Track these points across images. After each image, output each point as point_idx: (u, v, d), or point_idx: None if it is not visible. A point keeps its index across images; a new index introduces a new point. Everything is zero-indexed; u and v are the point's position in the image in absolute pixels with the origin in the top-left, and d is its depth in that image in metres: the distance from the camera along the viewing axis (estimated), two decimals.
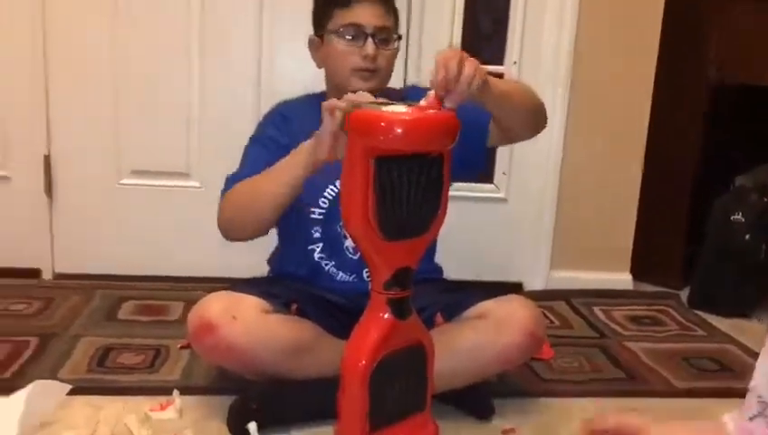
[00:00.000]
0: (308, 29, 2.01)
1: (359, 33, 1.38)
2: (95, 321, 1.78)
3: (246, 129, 1.64)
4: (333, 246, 1.43)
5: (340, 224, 1.38)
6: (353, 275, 1.44)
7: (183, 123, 2.03)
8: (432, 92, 1.08)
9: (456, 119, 1.07)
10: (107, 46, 1.97)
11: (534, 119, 1.37)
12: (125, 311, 1.86)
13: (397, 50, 1.44)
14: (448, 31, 2.08)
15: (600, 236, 2.24)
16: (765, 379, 0.73)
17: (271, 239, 1.55)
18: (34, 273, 2.05)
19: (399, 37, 1.44)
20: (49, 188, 2.02)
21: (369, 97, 1.14)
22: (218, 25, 1.99)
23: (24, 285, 1.98)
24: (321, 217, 1.42)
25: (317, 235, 1.43)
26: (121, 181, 2.05)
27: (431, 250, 1.51)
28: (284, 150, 1.29)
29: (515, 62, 2.13)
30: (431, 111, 1.07)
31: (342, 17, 1.38)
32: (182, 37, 1.98)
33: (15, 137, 1.99)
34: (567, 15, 2.06)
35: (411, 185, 1.05)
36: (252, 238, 1.38)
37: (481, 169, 1.51)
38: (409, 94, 1.39)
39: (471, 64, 1.08)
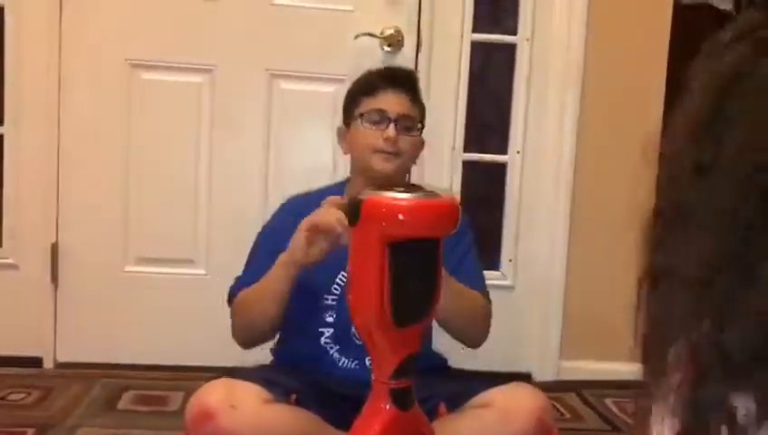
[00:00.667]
0: (315, 123, 2.08)
1: (382, 118, 1.44)
2: (94, 411, 1.75)
3: (253, 217, 1.67)
4: (342, 331, 1.42)
5: None
6: (356, 362, 1.41)
7: (191, 211, 2.05)
8: None
9: (457, 205, 1.09)
10: (118, 137, 2.01)
11: (468, 332, 1.46)
12: (125, 401, 1.83)
13: (420, 139, 1.50)
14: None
15: (612, 323, 2.19)
16: None
17: None
18: (36, 362, 2.03)
19: (422, 126, 1.50)
20: (55, 276, 2.03)
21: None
22: (228, 118, 2.04)
23: (25, 375, 1.96)
24: (334, 302, 1.43)
25: (330, 319, 1.43)
26: (126, 269, 2.06)
27: (428, 337, 1.49)
28: None
29: (518, 152, 2.16)
30: (437, 197, 1.09)
31: (368, 104, 1.46)
32: (192, 128, 2.04)
33: (25, 225, 2.02)
34: (569, 100, 2.11)
35: (418, 269, 1.07)
36: (272, 337, 1.45)
37: None
38: None
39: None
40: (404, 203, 1.04)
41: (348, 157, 1.54)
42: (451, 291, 1.26)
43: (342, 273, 1.41)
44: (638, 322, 0.64)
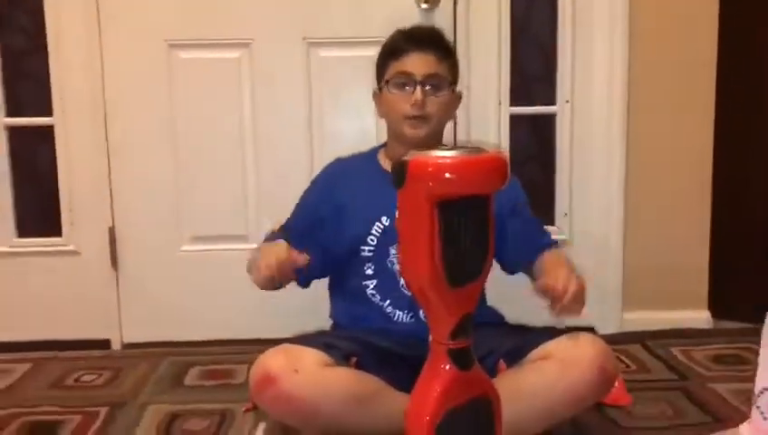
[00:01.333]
0: (356, 88, 2.06)
1: (408, 80, 1.45)
2: (162, 388, 1.79)
3: (300, 188, 1.66)
4: (387, 283, 1.45)
5: (390, 260, 1.46)
6: (410, 315, 1.43)
7: (239, 187, 2.07)
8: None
9: (505, 159, 1.06)
10: (162, 118, 2.03)
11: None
12: (191, 377, 1.86)
13: (450, 97, 1.50)
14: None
15: (673, 273, 2.14)
16: None
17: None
18: (104, 344, 2.09)
19: (453, 84, 1.50)
20: (114, 260, 2.07)
21: None
22: (268, 90, 2.03)
23: (94, 356, 2.02)
24: (371, 253, 1.47)
25: (369, 271, 1.47)
26: (182, 248, 2.09)
27: (482, 295, 1.48)
28: (322, 219, 1.50)
29: (567, 101, 2.10)
30: (483, 153, 1.06)
31: (394, 68, 1.47)
32: (234, 104, 2.04)
33: (82, 212, 2.06)
34: (617, 63, 2.03)
35: (469, 227, 1.05)
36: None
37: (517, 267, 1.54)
38: None
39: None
40: (450, 161, 1.01)
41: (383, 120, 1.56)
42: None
43: (377, 223, 1.46)
44: None
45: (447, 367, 1.07)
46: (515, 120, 2.11)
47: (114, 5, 1.99)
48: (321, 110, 2.05)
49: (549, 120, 2.13)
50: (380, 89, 1.53)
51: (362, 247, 1.47)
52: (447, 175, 1.01)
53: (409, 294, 1.37)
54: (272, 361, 1.25)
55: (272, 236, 1.51)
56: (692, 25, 2.05)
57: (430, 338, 1.10)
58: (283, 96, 2.04)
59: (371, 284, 1.47)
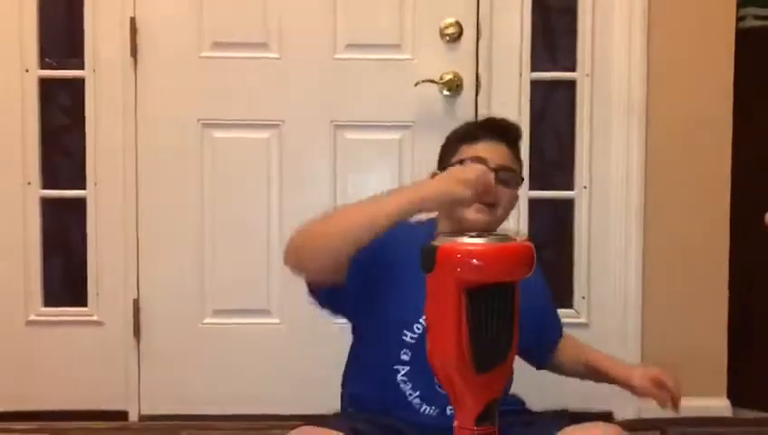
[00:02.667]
0: (381, 170, 2.13)
1: (482, 165, 1.37)
2: None
3: None
4: (422, 376, 1.35)
5: None
6: (437, 411, 1.38)
7: (263, 263, 2.10)
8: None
9: (532, 248, 1.09)
10: (192, 193, 2.10)
11: None
12: None
13: (516, 195, 1.46)
14: None
15: (692, 359, 2.13)
16: None
17: None
18: (122, 415, 2.09)
19: (522, 180, 1.48)
20: (137, 331, 2.10)
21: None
22: (296, 170, 2.10)
23: (112, 428, 2.02)
24: (413, 341, 1.37)
25: (405, 357, 1.37)
26: (204, 321, 2.12)
27: (509, 383, 1.47)
28: (373, 266, 1.32)
29: (585, 187, 2.15)
30: (511, 241, 1.10)
31: (467, 152, 1.42)
32: (262, 181, 2.10)
33: (108, 283, 2.11)
34: (634, 148, 2.09)
35: (495, 314, 1.07)
36: (320, 274, 1.34)
37: (546, 362, 1.63)
38: None
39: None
40: (479, 248, 1.05)
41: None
42: None
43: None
44: None
45: None
46: (534, 203, 2.15)
47: (151, 85, 2.08)
48: (346, 189, 2.10)
49: (567, 205, 2.17)
50: (444, 169, 1.43)
51: (405, 332, 1.36)
52: (476, 262, 1.05)
53: (443, 392, 1.31)
54: None
55: None
56: (706, 110, 2.11)
57: (455, 423, 1.11)
58: (309, 175, 2.11)
59: (404, 370, 1.37)
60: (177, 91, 2.09)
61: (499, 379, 1.10)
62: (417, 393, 1.38)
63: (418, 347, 1.37)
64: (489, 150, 1.40)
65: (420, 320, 1.37)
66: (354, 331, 1.52)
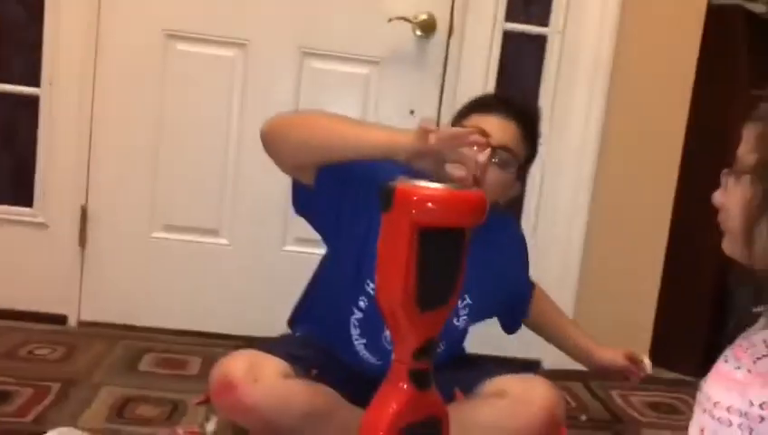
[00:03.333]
0: (346, 103, 2.11)
1: (483, 137, 1.30)
2: (116, 371, 1.81)
3: (279, 193, 1.70)
4: (373, 327, 1.37)
5: None
6: (381, 361, 1.39)
7: (218, 183, 2.10)
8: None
9: (485, 198, 1.13)
10: (151, 105, 2.06)
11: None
12: (146, 362, 1.89)
13: (512, 180, 1.38)
14: None
15: (621, 318, 2.23)
16: None
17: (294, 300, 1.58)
18: (61, 319, 2.09)
19: (521, 170, 1.39)
20: (83, 238, 2.08)
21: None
22: (259, 93, 2.07)
23: (50, 331, 2.02)
24: (373, 291, 1.34)
25: (362, 304, 1.38)
26: (153, 235, 2.11)
27: (462, 338, 1.51)
28: (340, 188, 1.27)
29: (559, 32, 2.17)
30: (466, 189, 1.13)
31: (475, 121, 1.35)
32: (223, 101, 2.07)
33: (56, 187, 2.07)
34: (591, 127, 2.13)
35: (444, 257, 1.11)
36: (284, 166, 1.32)
37: (516, 329, 1.67)
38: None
39: None
40: (435, 192, 1.08)
41: None
42: None
43: None
44: None
45: (406, 386, 1.12)
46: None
47: None
48: None
49: None
50: None
51: (368, 281, 1.34)
52: (431, 205, 1.07)
53: (389, 348, 1.29)
54: (233, 367, 1.26)
55: None
56: (667, 85, 2.15)
57: (392, 357, 1.16)
58: (272, 100, 2.08)
59: (358, 315, 1.38)
60: None
61: (439, 319, 1.15)
62: (364, 341, 1.40)
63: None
64: (496, 125, 1.34)
65: None
66: (322, 262, 1.50)
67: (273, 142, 1.32)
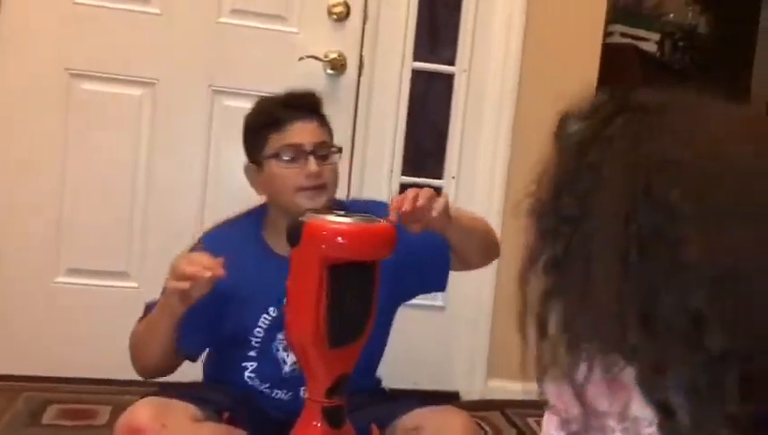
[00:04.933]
0: None
1: (298, 152, 1.35)
2: (16, 427, 1.71)
3: (189, 233, 1.68)
4: (268, 367, 1.38)
5: (276, 345, 1.37)
6: (290, 393, 1.38)
7: (126, 224, 2.04)
8: (392, 215, 1.19)
9: (395, 231, 1.15)
10: (55, 144, 1.99)
11: (489, 252, 1.52)
12: (50, 415, 1.80)
13: (337, 163, 1.44)
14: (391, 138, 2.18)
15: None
16: None
17: None
18: None
19: (339, 150, 1.44)
20: None
21: None
22: (168, 132, 2.04)
23: None
24: (257, 343, 1.38)
25: (252, 353, 1.38)
26: (57, 279, 2.02)
27: (374, 364, 1.50)
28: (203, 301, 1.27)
29: (453, 177, 2.23)
30: (376, 222, 1.14)
31: (278, 140, 1.36)
32: (131, 141, 2.03)
33: None
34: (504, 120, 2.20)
35: (355, 291, 1.12)
36: (169, 373, 1.41)
37: (443, 288, 1.57)
38: (354, 206, 1.45)
39: (441, 201, 1.26)
40: (344, 227, 1.09)
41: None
42: (457, 231, 1.33)
43: (264, 316, 1.36)
44: None
45: (319, 425, 1.12)
46: (405, 188, 2.20)
47: (15, 23, 1.94)
48: (218, 157, 2.07)
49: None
50: (258, 163, 1.40)
51: (248, 337, 1.37)
52: (340, 240, 1.09)
53: (292, 376, 1.35)
54: (139, 414, 1.23)
55: (150, 310, 1.38)
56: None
57: (305, 395, 1.15)
58: (182, 140, 2.06)
59: (250, 366, 1.38)
60: (43, 34, 1.97)
61: (351, 355, 1.15)
62: (267, 385, 1.39)
63: (262, 346, 1.38)
64: (300, 133, 1.36)
65: (260, 324, 1.37)
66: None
67: (142, 372, 1.42)
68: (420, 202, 1.21)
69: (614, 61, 2.34)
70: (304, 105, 1.41)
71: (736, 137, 0.61)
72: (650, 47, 2.94)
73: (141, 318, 1.41)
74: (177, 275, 1.22)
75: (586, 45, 2.26)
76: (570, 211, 0.64)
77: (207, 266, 1.20)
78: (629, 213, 0.59)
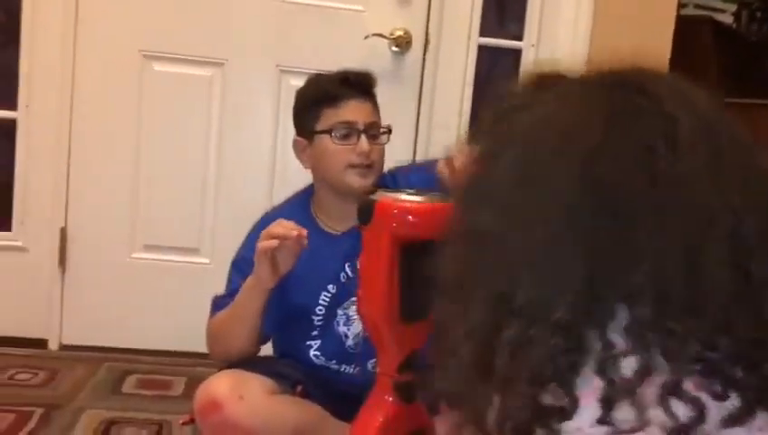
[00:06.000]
0: None
1: (351, 130, 1.36)
2: (99, 394, 1.79)
3: (259, 210, 1.70)
4: (331, 344, 1.40)
5: (337, 320, 1.40)
6: (357, 368, 1.40)
7: (198, 201, 2.10)
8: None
9: None
10: (129, 125, 2.05)
11: None
12: (129, 384, 1.87)
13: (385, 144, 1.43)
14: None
15: None
16: None
17: None
18: (42, 343, 2.07)
19: (389, 131, 1.44)
20: (63, 260, 2.07)
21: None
22: (237, 112, 2.08)
23: (31, 355, 2.00)
24: (319, 322, 1.41)
25: (315, 332, 1.41)
26: (133, 255, 2.10)
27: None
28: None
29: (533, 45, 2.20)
30: (445, 200, 1.14)
31: (332, 116, 1.37)
32: (202, 120, 2.08)
33: (35, 210, 2.06)
34: None
35: (425, 268, 1.12)
36: (255, 353, 1.41)
37: None
38: (398, 174, 1.45)
39: None
40: (415, 205, 1.09)
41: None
42: None
43: (324, 294, 1.39)
44: None
45: (391, 399, 1.13)
46: None
47: (92, 9, 2.01)
48: (287, 136, 2.08)
49: None
50: (308, 137, 1.41)
51: (311, 316, 1.39)
52: (411, 218, 1.09)
53: (354, 351, 1.39)
54: (217, 386, 1.27)
55: (222, 302, 1.41)
56: None
57: (377, 370, 1.16)
58: (251, 118, 2.09)
59: (315, 344, 1.41)
60: (119, 18, 2.03)
61: (422, 331, 1.15)
62: (334, 361, 1.41)
63: (325, 323, 1.40)
64: (355, 111, 1.37)
65: (320, 302, 1.40)
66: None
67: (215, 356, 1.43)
68: None
69: (688, 34, 2.26)
70: (361, 84, 1.41)
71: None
72: (726, 18, 2.83)
73: (213, 312, 1.42)
74: (266, 235, 1.23)
75: (659, 18, 2.18)
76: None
77: (294, 228, 1.23)
78: None
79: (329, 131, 1.37)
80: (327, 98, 1.38)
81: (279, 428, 1.27)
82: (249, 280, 1.29)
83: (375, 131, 1.40)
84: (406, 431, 1.14)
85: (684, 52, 2.23)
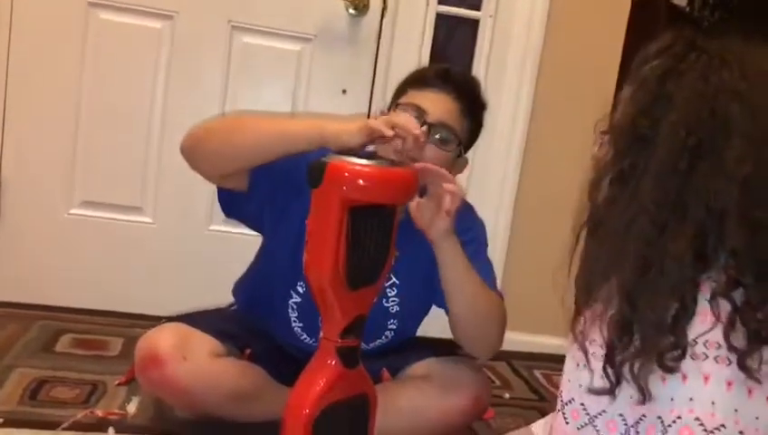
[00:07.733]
0: (275, 80, 2.07)
1: (419, 115, 1.27)
2: (31, 352, 1.73)
3: None
4: (311, 310, 1.30)
5: None
6: (315, 341, 1.35)
7: (141, 158, 2.02)
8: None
9: (416, 176, 1.13)
10: (72, 75, 1.96)
11: (481, 330, 1.29)
12: (63, 344, 1.81)
13: (452, 158, 1.31)
14: None
15: (544, 300, 2.28)
16: (583, 389, 0.82)
17: (230, 275, 1.55)
18: None
19: (458, 146, 1.32)
20: None
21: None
22: (186, 67, 2.01)
23: None
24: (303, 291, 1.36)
25: (300, 289, 1.35)
26: (71, 211, 2.02)
27: (413, 330, 1.48)
28: (274, 189, 1.25)
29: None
30: (398, 166, 1.12)
31: (412, 96, 1.31)
32: (149, 74, 2.00)
33: None
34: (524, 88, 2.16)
35: (374, 234, 1.11)
36: (211, 177, 1.30)
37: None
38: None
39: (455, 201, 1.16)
40: (366, 169, 1.07)
41: None
42: (470, 283, 1.20)
43: None
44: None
45: (333, 363, 1.12)
46: None
47: None
48: (235, 94, 2.04)
49: None
50: (388, 111, 1.36)
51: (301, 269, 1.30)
52: (361, 182, 1.07)
53: None
54: (162, 342, 1.24)
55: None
56: (595, 65, 2.19)
57: (320, 335, 1.15)
58: (199, 75, 2.02)
59: (296, 298, 1.35)
60: None
61: (368, 297, 1.15)
62: (301, 324, 1.39)
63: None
64: (433, 101, 1.28)
65: None
66: (262, 245, 1.48)
67: (196, 152, 1.29)
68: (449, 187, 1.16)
69: (642, 13, 2.27)
70: (456, 83, 1.32)
71: None
72: (680, 1, 2.86)
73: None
74: (386, 121, 1.15)
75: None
76: (643, 131, 0.78)
77: (417, 127, 1.17)
78: (691, 128, 0.74)
79: (400, 106, 1.31)
80: (417, 80, 1.35)
81: (220, 391, 1.25)
82: (311, 121, 1.19)
83: (444, 134, 1.28)
84: (347, 396, 1.14)
85: (637, 31, 2.24)
